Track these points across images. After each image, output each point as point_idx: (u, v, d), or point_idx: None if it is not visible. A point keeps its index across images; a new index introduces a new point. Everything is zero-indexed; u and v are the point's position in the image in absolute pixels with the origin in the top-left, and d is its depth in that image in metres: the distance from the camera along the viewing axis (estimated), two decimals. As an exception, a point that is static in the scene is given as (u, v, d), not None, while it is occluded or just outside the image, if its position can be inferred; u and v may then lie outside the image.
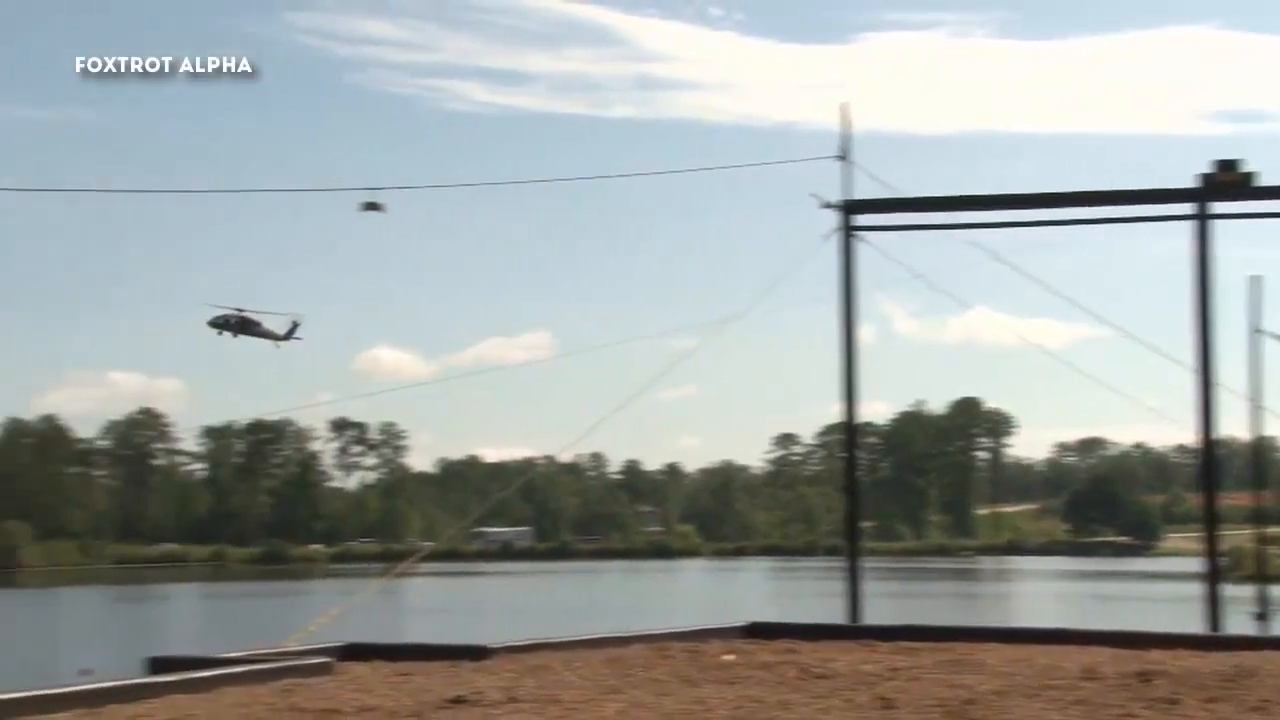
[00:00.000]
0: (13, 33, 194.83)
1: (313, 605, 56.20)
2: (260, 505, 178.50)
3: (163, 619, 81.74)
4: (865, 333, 33.16)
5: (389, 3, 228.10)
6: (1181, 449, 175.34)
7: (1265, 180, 26.47)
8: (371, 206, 32.04)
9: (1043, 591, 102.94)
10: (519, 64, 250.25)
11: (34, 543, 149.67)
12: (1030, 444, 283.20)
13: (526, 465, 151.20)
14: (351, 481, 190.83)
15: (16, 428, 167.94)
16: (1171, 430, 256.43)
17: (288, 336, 51.98)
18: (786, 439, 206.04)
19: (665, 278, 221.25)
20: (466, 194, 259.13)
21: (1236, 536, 56.36)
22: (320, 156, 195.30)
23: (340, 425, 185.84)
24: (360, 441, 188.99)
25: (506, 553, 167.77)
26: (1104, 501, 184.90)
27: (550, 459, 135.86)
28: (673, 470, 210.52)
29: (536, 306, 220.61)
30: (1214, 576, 26.68)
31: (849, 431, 28.47)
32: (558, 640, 14.44)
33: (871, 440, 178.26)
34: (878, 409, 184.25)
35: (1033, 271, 29.76)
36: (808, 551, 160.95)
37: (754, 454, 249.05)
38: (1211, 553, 27.04)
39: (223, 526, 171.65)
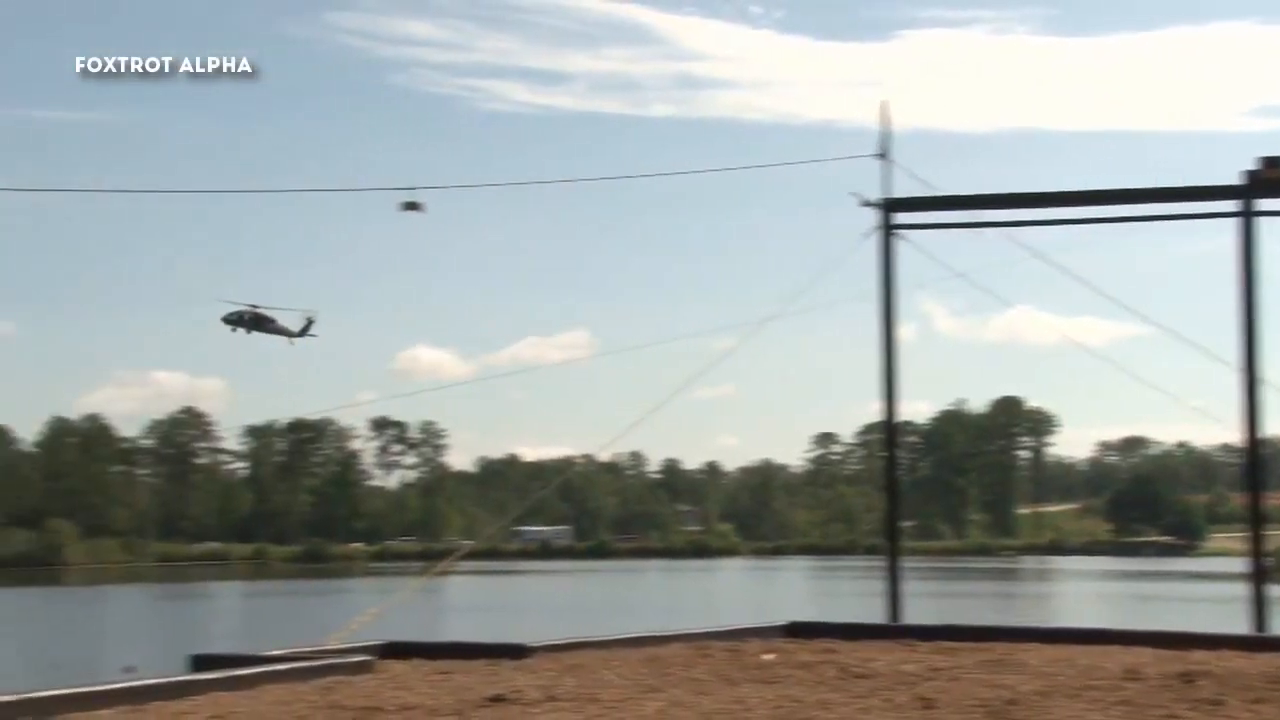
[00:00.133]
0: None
1: (353, 604, 56.52)
2: (301, 504, 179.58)
3: (205, 617, 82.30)
4: (905, 331, 33.01)
5: (429, 3, 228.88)
6: (1225, 448, 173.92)
7: (1311, 176, 26.14)
8: (411, 206, 32.11)
9: (1085, 591, 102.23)
10: (559, 64, 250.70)
11: (79, 541, 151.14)
12: (1072, 443, 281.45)
13: (565, 464, 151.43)
14: (391, 480, 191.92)
15: (61, 427, 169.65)
16: (1215, 429, 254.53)
17: (302, 333, 51.89)
18: (826, 438, 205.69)
19: (704, 276, 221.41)
20: (505, 193, 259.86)
21: (1282, 536, 55.77)
22: (361, 157, 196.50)
23: (380, 424, 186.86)
24: (400, 440, 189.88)
25: (545, 551, 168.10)
26: (1147, 501, 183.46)
27: (589, 458, 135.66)
28: (712, 469, 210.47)
29: (574, 306, 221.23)
30: (1259, 577, 26.39)
31: (889, 431, 28.35)
32: (597, 639, 14.45)
33: (912, 439, 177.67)
34: (918, 408, 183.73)
35: (1074, 269, 29.52)
36: (847, 551, 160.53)
37: (793, 453, 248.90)
38: (1257, 552, 26.76)
39: (264, 525, 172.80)
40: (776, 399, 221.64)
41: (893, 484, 28.84)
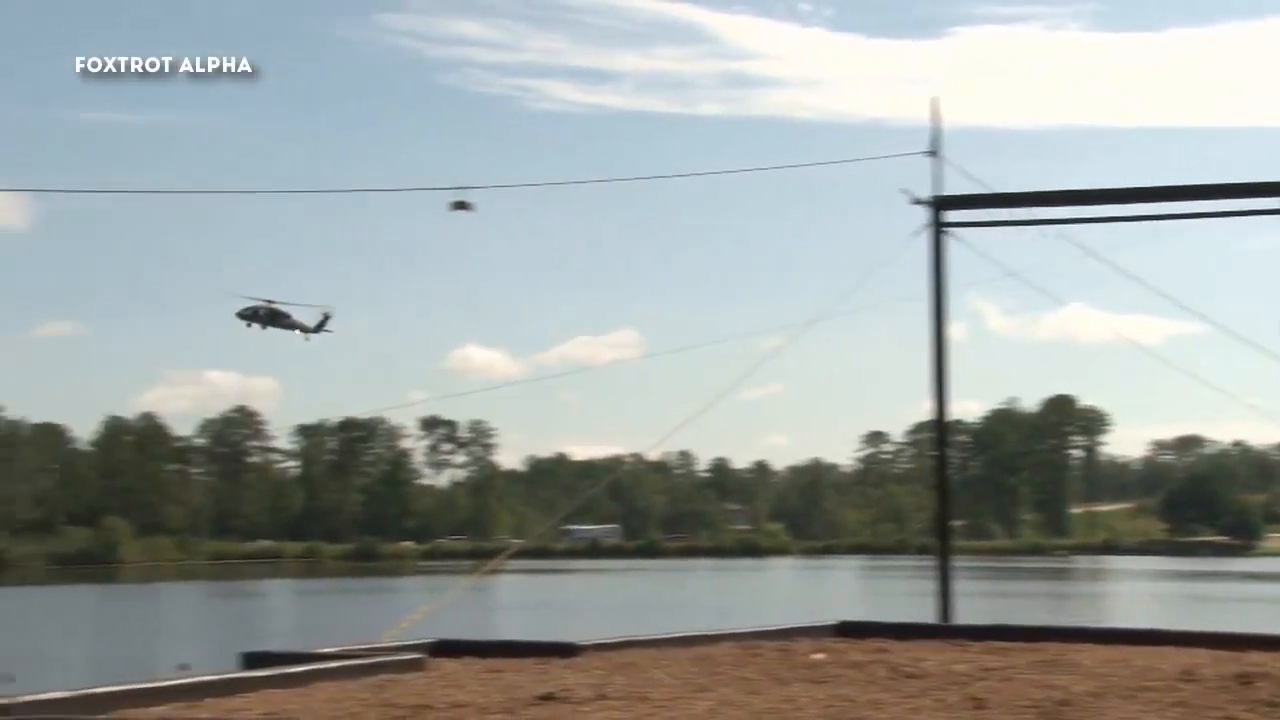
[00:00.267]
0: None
1: (403, 602, 56.85)
2: (352, 503, 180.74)
3: (257, 615, 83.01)
4: (956, 330, 32.80)
5: (479, 3, 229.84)
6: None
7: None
8: (461, 206, 32.19)
9: (1139, 592, 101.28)
10: (607, 63, 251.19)
11: (134, 539, 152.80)
12: (1126, 442, 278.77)
13: (614, 463, 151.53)
14: (442, 479, 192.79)
15: (117, 426, 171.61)
16: (1272, 428, 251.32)
17: (318, 329, 51.90)
18: (876, 437, 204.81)
19: (753, 275, 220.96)
20: (554, 193, 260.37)
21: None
22: (411, 157, 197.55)
23: (430, 423, 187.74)
24: (450, 439, 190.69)
25: (594, 550, 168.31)
26: (1202, 500, 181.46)
27: (638, 457, 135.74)
28: (761, 468, 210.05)
29: (624, 304, 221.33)
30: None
31: (940, 429, 28.18)
32: (647, 638, 14.44)
33: (963, 438, 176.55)
34: (969, 407, 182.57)
35: (1128, 267, 29.24)
36: (897, 550, 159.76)
37: (843, 452, 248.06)
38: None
39: (315, 523, 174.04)
40: (826, 398, 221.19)
41: (943, 483, 28.67)
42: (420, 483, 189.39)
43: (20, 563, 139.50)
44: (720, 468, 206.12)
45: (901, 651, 13.68)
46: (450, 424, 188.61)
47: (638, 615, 64.35)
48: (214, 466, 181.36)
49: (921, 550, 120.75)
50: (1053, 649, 13.88)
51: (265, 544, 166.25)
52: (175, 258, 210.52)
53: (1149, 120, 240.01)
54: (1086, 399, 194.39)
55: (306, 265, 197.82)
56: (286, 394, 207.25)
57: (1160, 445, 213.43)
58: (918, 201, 26.37)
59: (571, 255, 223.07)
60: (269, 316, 50.73)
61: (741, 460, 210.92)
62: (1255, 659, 13.02)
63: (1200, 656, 13.21)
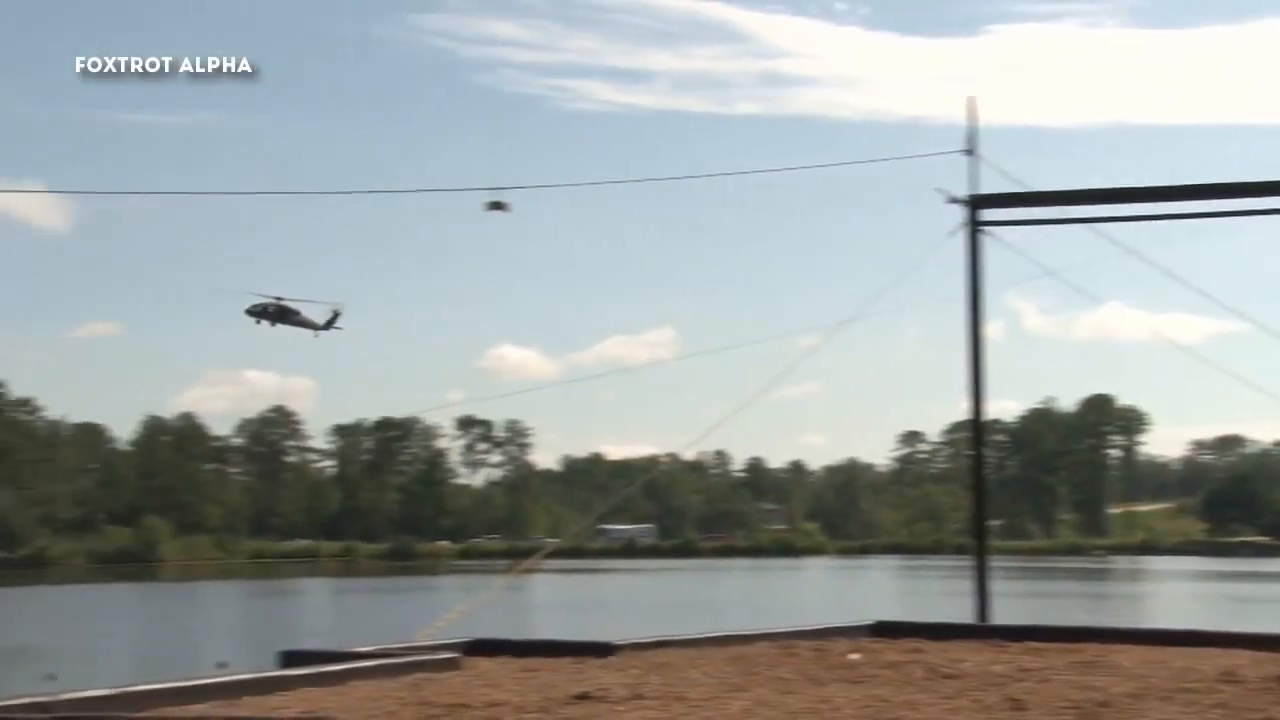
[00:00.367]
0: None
1: (439, 601, 56.98)
2: (388, 502, 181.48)
3: (295, 613, 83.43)
4: (993, 329, 32.66)
5: (514, 3, 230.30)
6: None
7: None
8: (496, 206, 32.31)
9: (1178, 592, 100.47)
10: (642, 62, 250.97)
11: (173, 538, 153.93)
12: (1165, 441, 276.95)
13: (650, 463, 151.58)
14: (477, 478, 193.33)
15: (156, 426, 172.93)
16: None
17: (328, 326, 51.96)
18: (912, 436, 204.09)
19: (789, 274, 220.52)
20: (589, 192, 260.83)
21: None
22: (446, 157, 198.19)
23: (466, 423, 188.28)
24: (486, 439, 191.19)
25: (630, 550, 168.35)
26: (1243, 500, 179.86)
27: (673, 456, 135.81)
28: (796, 468, 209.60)
29: (659, 303, 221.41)
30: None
31: (976, 429, 28.03)
32: (682, 637, 14.43)
33: (1000, 438, 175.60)
34: (1006, 406, 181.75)
35: (1167, 265, 29.02)
36: (934, 550, 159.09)
37: (879, 452, 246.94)
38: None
39: (352, 523, 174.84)
40: (862, 397, 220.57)
41: (980, 482, 28.51)
42: (456, 482, 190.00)
43: (62, 561, 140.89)
44: (756, 467, 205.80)
45: (938, 652, 13.62)
46: (486, 423, 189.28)
47: (673, 615, 64.31)
48: (252, 466, 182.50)
49: (958, 550, 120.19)
50: (1091, 650, 13.79)
51: (302, 543, 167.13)
52: (212, 258, 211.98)
53: (1188, 118, 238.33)
54: (1125, 398, 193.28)
55: (341, 266, 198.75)
56: (323, 394, 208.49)
57: (1200, 445, 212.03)
58: (954, 200, 26.23)
59: (607, 255, 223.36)
60: (278, 313, 50.67)
61: (777, 460, 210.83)
62: (1297, 660, 12.90)
63: (1240, 658, 13.09)
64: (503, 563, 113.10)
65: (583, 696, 10.68)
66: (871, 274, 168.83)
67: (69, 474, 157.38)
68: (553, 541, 73.48)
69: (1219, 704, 10.52)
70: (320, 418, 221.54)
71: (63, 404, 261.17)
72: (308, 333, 51.60)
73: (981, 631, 16.56)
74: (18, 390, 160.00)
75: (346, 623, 69.64)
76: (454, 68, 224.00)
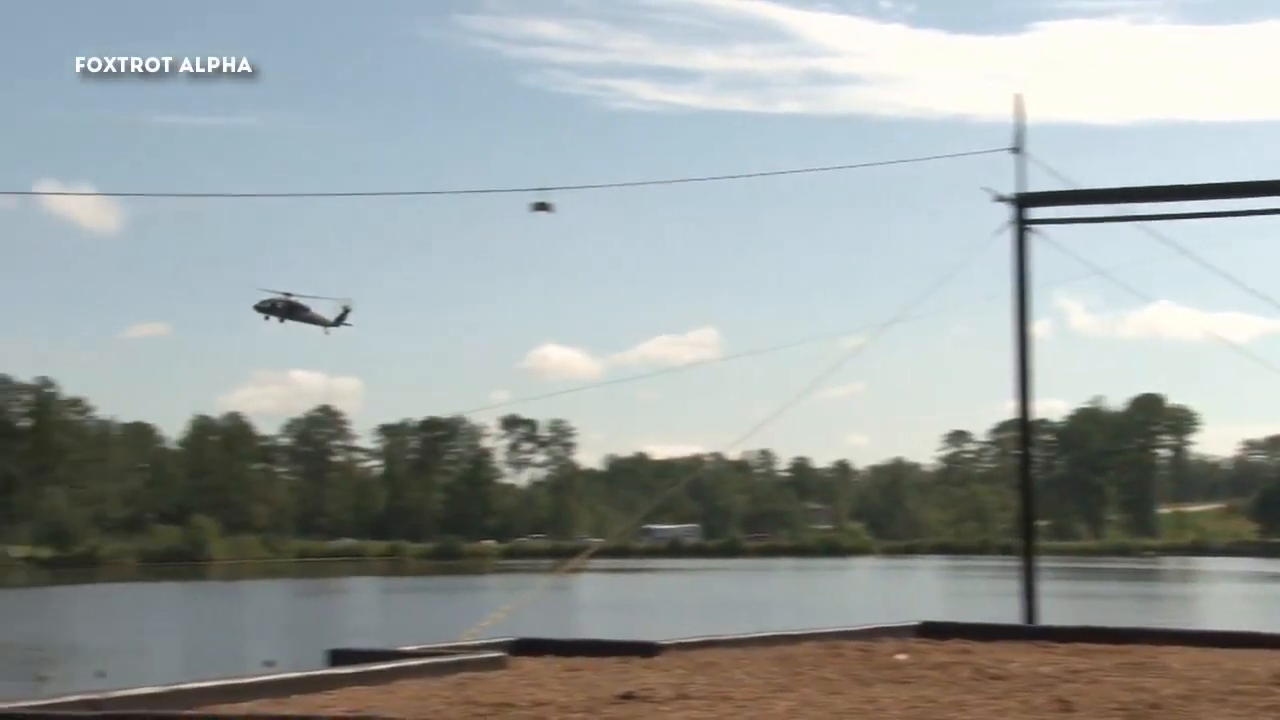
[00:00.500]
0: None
1: (485, 600, 57.24)
2: (434, 501, 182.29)
3: (342, 612, 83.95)
4: (1041, 328, 32.38)
5: (559, 3, 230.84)
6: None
7: None
8: (541, 207, 32.37)
9: (1230, 593, 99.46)
10: (687, 61, 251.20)
11: (221, 537, 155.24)
12: (1215, 441, 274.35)
13: (695, 462, 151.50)
14: (522, 478, 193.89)
15: (204, 426, 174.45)
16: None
17: (337, 322, 51.93)
18: (958, 436, 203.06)
19: (834, 273, 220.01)
20: (633, 192, 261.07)
21: None
22: (492, 157, 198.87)
23: (511, 423, 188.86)
24: (530, 439, 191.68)
25: (675, 549, 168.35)
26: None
27: (718, 456, 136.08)
28: (842, 467, 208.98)
29: (704, 303, 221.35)
30: None
31: (1023, 428, 27.84)
32: (728, 638, 14.39)
33: (1047, 438, 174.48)
34: (1053, 406, 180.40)
35: (1217, 264, 28.72)
36: (981, 550, 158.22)
37: (925, 451, 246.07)
38: None
39: (398, 522, 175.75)
40: (908, 397, 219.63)
41: (1027, 482, 28.32)
42: (501, 482, 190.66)
43: (112, 560, 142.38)
44: (801, 467, 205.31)
45: (985, 653, 13.53)
46: (530, 423, 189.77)
47: (718, 615, 64.27)
48: (299, 466, 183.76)
49: (1005, 550, 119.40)
50: (1141, 651, 13.65)
51: (349, 542, 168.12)
52: (258, 258, 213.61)
53: (1240, 114, 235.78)
54: (1174, 398, 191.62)
55: (387, 265, 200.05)
56: (368, 394, 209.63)
57: (1251, 445, 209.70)
58: (1001, 199, 26.06)
59: (651, 255, 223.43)
60: (287, 309, 50.50)
61: (822, 460, 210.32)
62: (1351, 663, 12.72)
63: (1294, 660, 12.93)
64: (547, 562, 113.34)
65: (627, 696, 10.67)
66: (917, 273, 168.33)
67: (119, 474, 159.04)
68: (597, 541, 73.57)
69: (1272, 706, 10.39)
70: (366, 418, 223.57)
71: (113, 404, 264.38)
72: (318, 329, 51.46)
73: (1029, 632, 16.43)
74: (68, 391, 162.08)
75: (393, 622, 70.01)
76: (499, 68, 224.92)
